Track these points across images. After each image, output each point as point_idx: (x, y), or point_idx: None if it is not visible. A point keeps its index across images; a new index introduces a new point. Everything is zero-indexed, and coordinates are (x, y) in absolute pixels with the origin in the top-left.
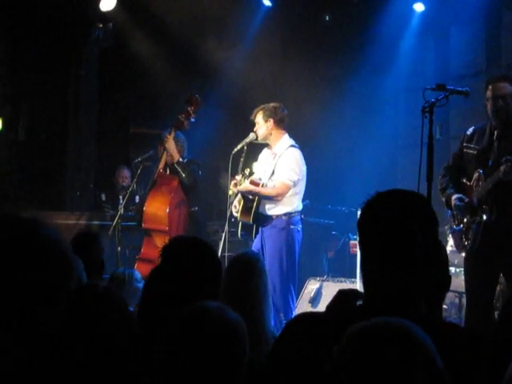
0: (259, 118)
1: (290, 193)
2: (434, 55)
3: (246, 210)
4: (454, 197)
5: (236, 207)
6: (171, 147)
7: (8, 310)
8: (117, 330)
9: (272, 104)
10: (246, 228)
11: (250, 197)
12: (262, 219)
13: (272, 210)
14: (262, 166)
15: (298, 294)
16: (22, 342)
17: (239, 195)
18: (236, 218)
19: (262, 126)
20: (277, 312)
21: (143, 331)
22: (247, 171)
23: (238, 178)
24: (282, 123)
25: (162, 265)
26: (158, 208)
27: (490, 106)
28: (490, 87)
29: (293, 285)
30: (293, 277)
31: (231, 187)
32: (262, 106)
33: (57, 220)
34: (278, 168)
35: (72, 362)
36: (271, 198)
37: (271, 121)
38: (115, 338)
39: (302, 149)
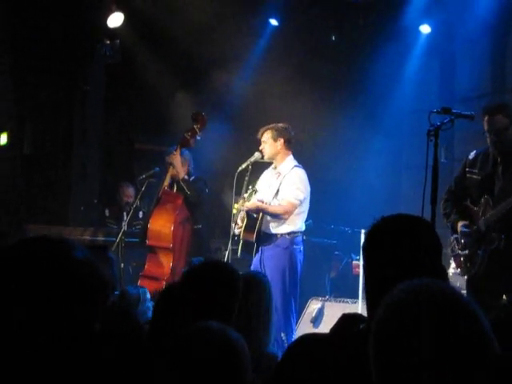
0: (267, 137)
1: (295, 212)
2: (439, 77)
3: (249, 227)
4: (461, 224)
5: (238, 224)
6: (178, 164)
7: (44, 333)
8: (128, 344)
9: (281, 124)
10: (247, 246)
11: (255, 215)
12: (265, 238)
13: (276, 228)
14: (264, 186)
15: (299, 314)
16: (55, 364)
17: (242, 213)
18: (239, 236)
19: (271, 144)
20: (278, 331)
21: (155, 347)
22: (256, 188)
23: (246, 194)
24: (289, 144)
25: (183, 285)
26: (162, 225)
27: (487, 137)
28: (485, 119)
29: (294, 305)
30: (294, 297)
31: (239, 203)
32: (272, 126)
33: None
34: (283, 187)
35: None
36: (278, 216)
37: (281, 140)
38: (126, 350)
39: (306, 168)
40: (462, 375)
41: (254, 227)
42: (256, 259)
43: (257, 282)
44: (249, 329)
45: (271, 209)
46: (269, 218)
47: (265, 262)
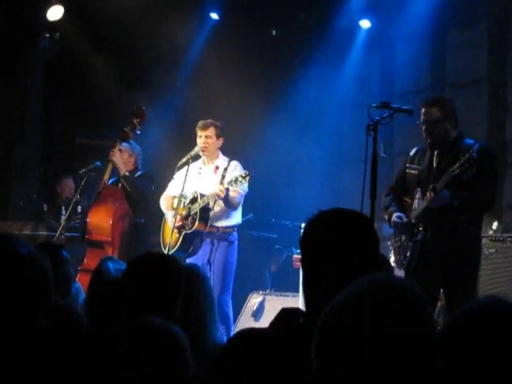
0: (212, 133)
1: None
2: (380, 71)
3: (203, 219)
4: (395, 215)
5: (184, 221)
6: (118, 161)
7: None
8: (70, 339)
9: (220, 123)
10: (184, 241)
11: (210, 206)
12: (212, 231)
13: (222, 221)
14: (196, 181)
15: (240, 308)
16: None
17: (186, 210)
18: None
19: (215, 141)
20: (221, 324)
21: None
22: (198, 192)
23: (188, 199)
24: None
25: (124, 278)
26: (101, 219)
27: (422, 129)
28: (422, 111)
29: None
30: (231, 290)
31: (185, 207)
32: (216, 123)
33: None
34: (229, 179)
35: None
36: (235, 207)
37: (222, 140)
38: (68, 345)
39: (246, 162)
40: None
41: (207, 219)
42: (204, 251)
43: (197, 274)
44: (199, 323)
45: (235, 200)
46: (218, 210)
47: (213, 255)
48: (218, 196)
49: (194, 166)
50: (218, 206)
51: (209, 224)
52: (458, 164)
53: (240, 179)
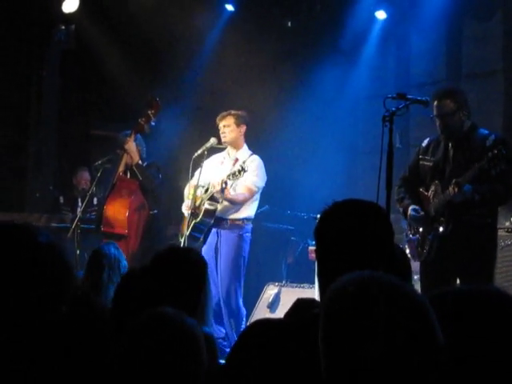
0: (230, 121)
1: (252, 198)
2: (395, 63)
3: (210, 212)
4: (411, 207)
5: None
6: (132, 149)
7: (10, 318)
8: (91, 327)
9: (244, 111)
10: (197, 230)
11: (220, 199)
12: (220, 223)
13: (232, 214)
14: (216, 171)
15: (255, 299)
16: (25, 346)
17: (200, 193)
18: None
19: (234, 129)
20: (229, 317)
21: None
22: (209, 185)
23: (203, 189)
24: (245, 133)
25: (147, 271)
26: (117, 211)
27: (436, 122)
28: (435, 104)
29: (241, 292)
30: (241, 284)
31: (199, 196)
32: (235, 112)
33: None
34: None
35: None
36: (237, 203)
37: (243, 127)
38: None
39: (262, 153)
40: (408, 366)
41: (214, 210)
42: (211, 243)
43: (193, 262)
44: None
45: (238, 197)
46: (226, 203)
47: (220, 247)
48: (221, 191)
49: (218, 156)
50: None
51: (215, 215)
52: (486, 159)
53: (236, 174)
